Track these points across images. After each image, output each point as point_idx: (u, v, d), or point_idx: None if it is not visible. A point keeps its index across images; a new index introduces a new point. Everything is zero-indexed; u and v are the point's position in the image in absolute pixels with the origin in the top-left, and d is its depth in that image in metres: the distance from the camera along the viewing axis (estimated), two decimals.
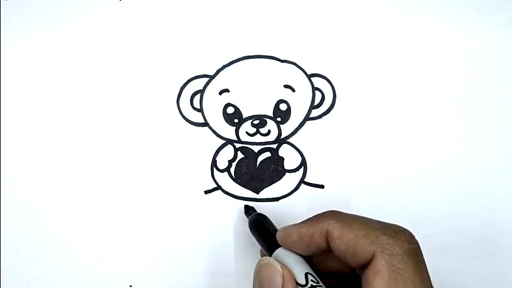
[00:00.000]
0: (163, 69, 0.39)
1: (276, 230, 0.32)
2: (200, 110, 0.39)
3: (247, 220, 0.36)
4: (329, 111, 0.39)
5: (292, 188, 0.39)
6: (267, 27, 0.39)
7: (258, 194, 0.39)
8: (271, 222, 0.35)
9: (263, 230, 0.34)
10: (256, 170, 0.39)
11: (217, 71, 0.39)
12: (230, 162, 0.39)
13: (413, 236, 0.27)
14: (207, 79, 0.39)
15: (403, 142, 0.39)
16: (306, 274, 0.29)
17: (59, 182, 0.39)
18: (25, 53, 0.40)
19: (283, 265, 0.29)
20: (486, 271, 0.39)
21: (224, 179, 0.39)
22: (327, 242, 0.29)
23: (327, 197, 0.39)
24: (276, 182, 0.39)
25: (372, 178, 0.39)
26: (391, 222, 0.28)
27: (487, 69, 0.39)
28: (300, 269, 0.29)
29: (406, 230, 0.28)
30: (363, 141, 0.39)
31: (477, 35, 0.39)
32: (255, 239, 0.34)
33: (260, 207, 0.39)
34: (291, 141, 0.39)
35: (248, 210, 0.37)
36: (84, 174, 0.39)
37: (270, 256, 0.31)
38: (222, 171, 0.39)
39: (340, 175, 0.39)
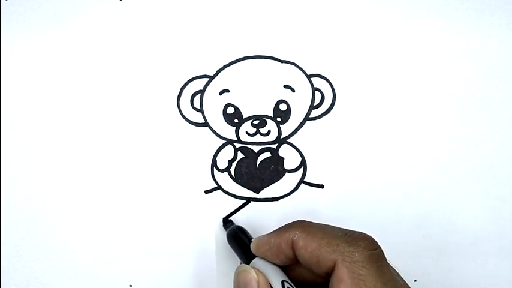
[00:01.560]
0: (163, 70, 0.39)
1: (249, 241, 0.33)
2: (200, 110, 0.39)
3: (275, 219, 0.38)
4: (329, 111, 0.39)
5: (292, 188, 0.39)
6: (267, 28, 0.39)
7: (258, 194, 0.39)
8: (248, 233, 0.36)
9: (240, 241, 0.35)
10: (256, 170, 0.39)
11: (217, 71, 0.39)
12: (230, 162, 0.39)
13: (374, 242, 0.28)
14: (207, 79, 0.39)
15: (403, 142, 0.39)
16: (283, 282, 0.29)
17: (59, 182, 0.39)
18: (25, 53, 0.40)
19: (259, 272, 0.30)
20: (486, 271, 0.39)
21: (224, 179, 0.39)
22: (293, 252, 0.29)
23: (327, 197, 0.39)
24: (276, 182, 0.39)
25: (371, 178, 0.39)
26: (355, 230, 0.29)
27: (487, 69, 0.39)
28: (276, 277, 0.30)
29: (368, 236, 0.28)
30: (362, 141, 0.39)
31: (477, 35, 0.39)
32: (233, 251, 0.35)
33: (260, 207, 0.39)
34: (291, 141, 0.39)
35: (226, 223, 0.38)
36: (84, 174, 0.39)
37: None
38: (222, 171, 0.39)
39: (340, 175, 0.39)
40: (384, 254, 0.28)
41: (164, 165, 0.39)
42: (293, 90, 0.39)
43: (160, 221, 0.39)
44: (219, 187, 0.39)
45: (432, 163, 0.39)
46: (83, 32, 0.40)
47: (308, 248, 0.28)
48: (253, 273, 0.30)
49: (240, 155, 0.39)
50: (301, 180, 0.39)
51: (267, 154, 0.39)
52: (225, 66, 0.39)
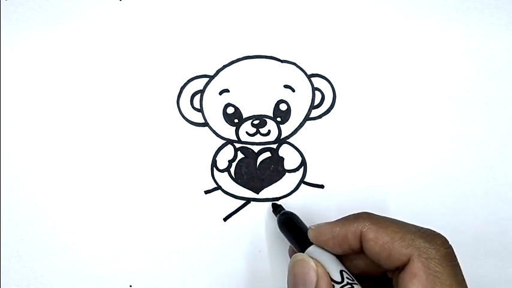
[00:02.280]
0: (163, 69, 0.39)
1: (306, 228, 0.33)
2: (200, 110, 0.39)
3: (275, 219, 0.37)
4: (329, 111, 0.39)
5: (292, 188, 0.39)
6: (267, 27, 0.39)
7: (258, 194, 0.39)
8: (300, 220, 0.35)
9: (294, 228, 0.34)
10: (256, 170, 0.39)
11: (217, 71, 0.39)
12: (230, 162, 0.39)
13: (447, 241, 0.27)
14: (207, 79, 0.39)
15: (403, 142, 0.39)
16: (341, 271, 0.29)
17: (59, 182, 0.39)
18: (25, 53, 0.40)
19: (317, 261, 0.30)
20: (486, 271, 0.39)
21: (224, 179, 0.39)
22: (360, 243, 0.29)
23: (327, 197, 0.39)
24: (276, 182, 0.39)
25: (371, 178, 0.39)
26: (426, 227, 0.28)
27: (487, 69, 0.39)
28: (334, 267, 0.29)
29: (441, 234, 0.28)
30: (363, 141, 0.39)
31: (477, 35, 0.39)
32: (285, 237, 0.34)
33: (260, 208, 0.39)
34: (291, 141, 0.39)
35: (276, 208, 0.37)
36: (84, 174, 0.39)
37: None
38: (222, 171, 0.39)
39: (340, 175, 0.39)
40: (455, 254, 0.27)
41: (164, 165, 0.39)
42: (293, 90, 0.39)
43: (160, 221, 0.39)
44: (219, 187, 0.39)
45: (432, 163, 0.39)
46: (83, 32, 0.40)
47: (379, 241, 0.28)
48: (312, 263, 0.29)
49: (240, 155, 0.39)
50: (301, 181, 0.39)
51: (267, 154, 0.39)
52: (225, 66, 0.39)
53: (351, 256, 0.31)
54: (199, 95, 0.39)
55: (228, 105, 0.39)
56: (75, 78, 0.39)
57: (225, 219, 0.39)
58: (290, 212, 0.36)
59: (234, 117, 0.39)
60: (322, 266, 0.29)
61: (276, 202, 0.38)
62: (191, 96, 0.39)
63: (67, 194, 0.39)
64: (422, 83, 0.39)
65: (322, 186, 0.39)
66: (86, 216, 0.39)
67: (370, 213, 0.30)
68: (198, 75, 0.39)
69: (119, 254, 0.39)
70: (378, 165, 0.39)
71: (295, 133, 0.39)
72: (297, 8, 0.39)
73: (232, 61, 0.39)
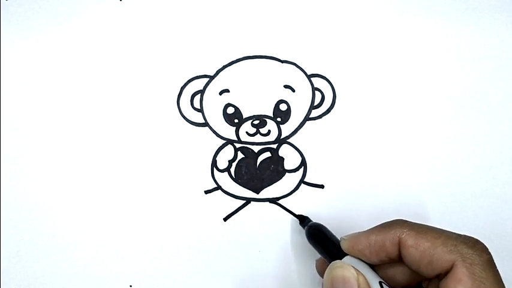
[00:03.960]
0: (163, 69, 0.39)
1: (336, 239, 0.32)
2: (200, 110, 0.39)
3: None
4: (329, 111, 0.39)
5: (292, 188, 0.39)
6: (267, 28, 0.39)
7: (258, 194, 0.39)
8: (329, 230, 0.34)
9: (324, 239, 0.33)
10: (256, 170, 0.39)
11: (217, 71, 0.39)
12: (230, 162, 0.39)
13: (487, 247, 0.27)
14: (207, 79, 0.39)
15: (403, 142, 0.39)
16: (380, 283, 0.28)
17: (59, 182, 0.39)
18: (25, 53, 0.40)
19: (357, 270, 0.29)
20: None
21: (224, 179, 0.39)
22: (398, 251, 0.28)
23: (327, 197, 0.39)
24: (276, 182, 0.39)
25: (371, 178, 0.39)
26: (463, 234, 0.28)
27: (487, 69, 0.39)
28: (373, 277, 0.29)
29: (480, 240, 0.28)
30: (362, 141, 0.39)
31: (477, 35, 0.39)
32: (315, 250, 0.34)
33: (260, 208, 0.39)
34: (291, 141, 0.39)
35: (303, 220, 0.37)
36: (84, 174, 0.39)
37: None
38: (222, 171, 0.39)
39: (340, 175, 0.39)
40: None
41: (164, 165, 0.39)
42: (293, 90, 0.39)
43: (160, 221, 0.39)
44: (219, 187, 0.39)
45: (432, 163, 0.39)
46: (83, 32, 0.40)
47: (420, 247, 0.27)
48: (353, 271, 0.29)
49: (240, 155, 0.39)
50: (301, 181, 0.39)
51: (267, 154, 0.39)
52: (225, 66, 0.39)
53: (385, 266, 0.30)
54: (199, 95, 0.39)
55: (228, 105, 0.39)
56: (75, 78, 0.40)
57: (225, 219, 0.39)
58: (318, 223, 0.35)
59: (234, 117, 0.39)
60: (363, 275, 0.29)
61: (302, 214, 0.38)
62: (191, 96, 0.39)
63: (67, 194, 0.39)
64: (422, 83, 0.39)
65: (322, 186, 0.39)
66: (86, 216, 0.39)
67: (405, 220, 0.29)
68: (198, 75, 0.39)
69: (119, 254, 0.39)
70: (377, 165, 0.39)
71: (295, 133, 0.39)
72: (297, 8, 0.39)
73: (232, 61, 0.39)
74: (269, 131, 0.39)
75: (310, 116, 0.39)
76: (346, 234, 0.31)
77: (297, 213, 0.38)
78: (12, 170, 0.39)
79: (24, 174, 0.39)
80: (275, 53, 0.39)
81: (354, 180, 0.39)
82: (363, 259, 0.30)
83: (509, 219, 0.39)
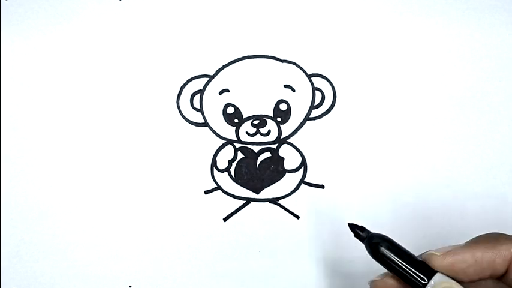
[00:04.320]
0: (163, 69, 0.39)
1: (409, 253, 0.27)
2: (200, 110, 0.39)
3: (275, 219, 0.33)
4: (329, 111, 0.39)
5: (292, 188, 0.39)
6: (267, 27, 0.39)
7: (258, 194, 0.39)
8: (397, 244, 0.28)
9: (400, 256, 0.27)
10: (256, 170, 0.39)
11: (217, 71, 0.39)
12: (230, 162, 0.39)
13: None
14: (207, 79, 0.39)
15: (403, 142, 0.39)
16: None
17: (59, 182, 0.39)
18: (25, 53, 0.40)
19: None
20: None
21: (224, 179, 0.39)
22: (507, 268, 0.26)
23: (327, 197, 0.39)
24: (276, 182, 0.39)
25: (372, 178, 0.39)
26: None
27: (487, 69, 0.39)
28: None
29: None
30: (363, 141, 0.39)
31: (477, 35, 0.39)
32: (384, 267, 0.28)
33: (260, 208, 0.39)
34: (291, 141, 0.39)
35: (360, 232, 0.29)
36: (84, 174, 0.39)
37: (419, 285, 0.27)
38: (222, 171, 0.39)
39: (340, 175, 0.39)
40: None
41: (164, 165, 0.39)
42: (293, 90, 0.39)
43: (160, 221, 0.39)
44: (219, 187, 0.39)
45: (432, 163, 0.39)
46: (82, 32, 0.40)
47: None
48: None
49: (240, 155, 0.39)
50: (302, 181, 0.39)
51: (267, 154, 0.39)
52: (224, 66, 0.39)
53: (474, 283, 0.27)
54: (199, 94, 0.39)
55: (228, 105, 0.39)
56: (75, 78, 0.39)
57: (225, 219, 0.39)
58: (381, 234, 0.28)
59: (234, 117, 0.39)
60: None
61: (355, 223, 0.29)
62: (191, 96, 0.39)
63: (67, 194, 0.39)
64: (423, 83, 0.39)
65: (322, 186, 0.39)
66: (86, 216, 0.39)
67: (504, 233, 0.27)
68: (198, 75, 0.39)
69: (119, 254, 0.39)
70: (378, 166, 0.39)
71: (295, 133, 0.39)
72: (297, 8, 0.39)
73: (232, 61, 0.39)
74: (269, 131, 0.39)
75: (310, 116, 0.39)
76: (410, 246, 0.28)
77: (349, 222, 0.29)
78: (12, 170, 0.39)
79: (24, 174, 0.39)
80: (275, 53, 0.39)
81: (354, 180, 0.39)
82: (461, 278, 0.26)
83: (509, 219, 0.39)
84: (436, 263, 0.26)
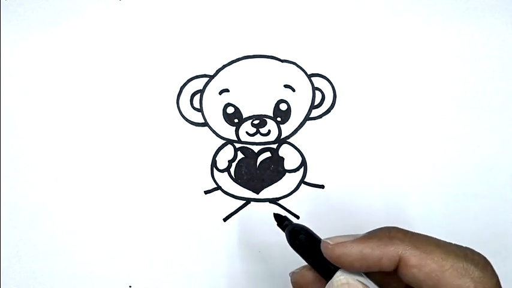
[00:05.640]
0: (163, 69, 0.39)
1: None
2: (200, 110, 0.39)
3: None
4: (329, 111, 0.39)
5: (292, 188, 0.39)
6: (267, 27, 0.39)
7: (258, 194, 0.39)
8: (314, 233, 0.29)
9: (312, 246, 0.28)
10: (256, 170, 0.39)
11: (217, 70, 0.39)
12: (230, 162, 0.39)
13: (492, 266, 0.25)
14: (207, 79, 0.39)
15: (403, 142, 0.39)
16: None
17: (59, 182, 0.39)
18: (25, 53, 0.40)
19: (365, 285, 0.26)
20: None
21: (224, 179, 0.39)
22: (395, 267, 0.25)
23: (327, 197, 0.39)
24: (276, 182, 0.39)
25: (372, 178, 0.39)
26: (465, 246, 0.26)
27: (487, 69, 0.39)
28: None
29: (486, 257, 0.25)
30: (363, 141, 0.39)
31: (477, 35, 0.39)
32: (301, 257, 0.28)
33: (260, 208, 0.39)
34: (291, 141, 0.39)
35: (282, 221, 0.30)
36: (84, 174, 0.39)
37: (327, 277, 0.27)
38: (222, 171, 0.39)
39: (340, 175, 0.39)
40: None
41: (164, 165, 0.39)
42: (293, 90, 0.39)
43: (160, 221, 0.39)
44: (218, 187, 0.39)
45: (433, 163, 0.39)
46: (82, 32, 0.40)
47: (424, 269, 0.24)
48: (361, 286, 0.25)
49: (240, 155, 0.39)
50: (302, 181, 0.39)
51: (267, 154, 0.39)
52: (224, 66, 0.39)
53: (378, 274, 0.27)
54: (199, 94, 0.39)
55: (228, 105, 0.39)
56: (75, 78, 0.39)
57: (225, 220, 0.39)
58: (301, 225, 0.29)
59: (234, 117, 0.39)
60: None
61: (279, 213, 0.31)
62: (191, 96, 0.39)
63: (67, 195, 0.39)
64: (423, 83, 0.39)
65: (322, 186, 0.39)
66: (86, 217, 0.39)
67: (402, 229, 0.26)
68: (198, 75, 0.39)
69: (118, 254, 0.39)
70: (378, 166, 0.39)
71: (295, 133, 0.39)
72: (297, 8, 0.39)
73: (232, 61, 0.39)
74: (269, 131, 0.39)
75: (311, 116, 0.39)
76: (337, 235, 0.27)
77: (274, 212, 0.31)
78: (12, 170, 0.39)
79: (24, 174, 0.39)
80: (275, 53, 0.39)
81: (354, 180, 0.39)
82: (351, 270, 0.26)
83: (509, 219, 0.39)
84: (326, 252, 0.26)
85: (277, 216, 0.31)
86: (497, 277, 0.25)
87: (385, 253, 0.25)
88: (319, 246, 0.27)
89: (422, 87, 0.39)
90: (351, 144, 0.39)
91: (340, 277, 0.26)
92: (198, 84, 0.39)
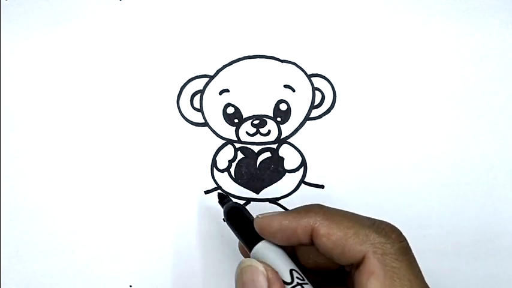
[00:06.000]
0: (163, 69, 0.39)
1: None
2: (200, 110, 0.39)
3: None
4: (329, 111, 0.39)
5: (292, 188, 0.39)
6: (267, 27, 0.39)
7: (258, 194, 0.39)
8: (249, 213, 0.32)
9: (241, 221, 0.31)
10: (256, 170, 0.39)
11: (217, 71, 0.39)
12: (230, 162, 0.39)
13: (402, 234, 0.27)
14: (207, 79, 0.39)
15: (403, 142, 0.39)
16: (291, 271, 0.27)
17: (59, 182, 0.39)
18: (25, 53, 0.40)
19: (267, 265, 0.28)
20: (486, 271, 0.38)
21: (224, 179, 0.39)
22: (311, 238, 0.27)
23: (327, 197, 0.39)
24: (276, 182, 0.39)
25: (372, 178, 0.39)
26: (379, 219, 0.27)
27: (487, 69, 0.39)
28: (284, 265, 0.28)
29: (395, 227, 0.27)
30: (363, 141, 0.39)
31: (477, 35, 0.39)
32: (232, 231, 0.32)
33: (260, 208, 0.39)
34: (291, 141, 0.39)
35: (223, 199, 0.34)
36: (84, 174, 0.39)
37: (250, 250, 0.30)
38: (222, 171, 0.39)
39: (340, 175, 0.39)
40: (410, 246, 0.27)
41: (164, 165, 0.39)
42: (293, 90, 0.39)
43: (160, 221, 0.39)
44: (219, 187, 0.39)
45: (432, 163, 0.39)
46: (82, 32, 0.40)
47: (332, 237, 0.26)
48: (261, 267, 0.27)
49: (240, 155, 0.39)
50: (302, 181, 0.39)
51: (267, 154, 0.39)
52: (225, 66, 0.39)
53: (304, 249, 0.29)
54: (199, 95, 0.39)
55: (228, 105, 0.39)
56: (75, 78, 0.40)
57: (220, 195, 0.39)
58: (238, 203, 0.33)
59: (234, 117, 0.39)
60: (272, 269, 0.27)
61: (222, 192, 0.35)
62: (191, 96, 0.39)
63: (67, 194, 0.39)
64: (423, 83, 0.39)
65: (322, 186, 0.39)
66: (86, 216, 0.39)
67: (322, 205, 0.28)
68: (198, 75, 0.39)
69: (119, 254, 0.39)
70: (378, 165, 0.39)
71: (295, 133, 0.39)
72: (297, 8, 0.39)
73: (232, 61, 0.39)
74: (269, 131, 0.39)
75: (310, 116, 0.39)
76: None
77: (218, 191, 0.34)
78: (12, 170, 0.39)
79: (24, 174, 0.39)
80: (275, 53, 0.39)
81: (354, 180, 0.39)
82: (274, 242, 0.29)
83: (509, 219, 0.39)
84: (255, 223, 0.29)
85: (219, 195, 0.34)
86: (404, 243, 0.26)
87: (300, 224, 0.27)
88: (248, 222, 0.30)
89: (422, 87, 0.39)
90: (350, 144, 0.39)
91: (245, 260, 0.28)
92: (198, 84, 0.39)
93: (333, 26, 0.39)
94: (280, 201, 0.39)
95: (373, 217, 0.28)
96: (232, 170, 0.39)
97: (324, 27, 0.39)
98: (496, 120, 0.39)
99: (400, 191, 0.39)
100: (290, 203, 0.39)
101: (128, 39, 0.40)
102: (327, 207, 0.29)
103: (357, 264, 0.26)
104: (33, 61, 0.39)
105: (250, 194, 0.39)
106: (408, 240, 0.38)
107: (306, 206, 0.29)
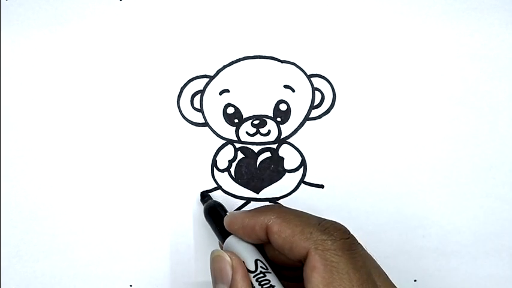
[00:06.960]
0: (163, 70, 0.39)
1: None
2: (200, 110, 0.39)
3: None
4: (329, 111, 0.39)
5: (292, 188, 0.39)
6: (267, 27, 0.39)
7: (258, 194, 0.39)
8: (226, 209, 0.36)
9: (217, 218, 0.34)
10: (256, 170, 0.39)
11: (217, 71, 0.39)
12: (230, 162, 0.39)
13: (347, 231, 0.28)
14: (207, 79, 0.39)
15: (403, 142, 0.39)
16: (256, 261, 0.30)
17: (59, 182, 0.39)
18: (25, 53, 0.39)
19: (233, 254, 0.30)
20: (486, 271, 0.39)
21: (224, 179, 0.39)
22: (267, 236, 0.29)
23: (327, 197, 0.39)
24: (276, 182, 0.39)
25: (371, 178, 0.39)
26: (328, 219, 0.29)
27: (487, 69, 0.39)
28: (250, 256, 0.30)
29: (341, 225, 0.29)
30: (362, 141, 0.39)
31: (477, 35, 0.39)
32: (210, 227, 0.35)
33: None
34: (291, 141, 0.39)
35: (204, 197, 0.38)
36: (84, 174, 0.39)
37: (223, 243, 0.33)
38: (222, 171, 0.39)
39: (340, 175, 0.39)
40: (357, 243, 0.28)
41: (164, 165, 0.39)
42: (293, 90, 0.39)
43: (160, 221, 0.39)
44: (219, 187, 0.39)
45: (432, 163, 0.39)
46: (83, 32, 0.40)
47: (282, 234, 0.28)
48: (227, 257, 0.30)
49: (240, 155, 0.39)
50: (301, 180, 0.39)
51: (267, 154, 0.39)
52: (225, 66, 0.39)
53: (268, 245, 0.31)
54: (199, 95, 0.39)
55: (228, 105, 0.39)
56: (75, 78, 0.39)
57: (202, 194, 0.39)
58: (216, 201, 0.37)
59: (234, 117, 0.39)
60: (237, 258, 0.30)
61: (205, 191, 0.39)
62: (191, 97, 0.39)
63: (67, 194, 0.39)
64: (422, 83, 0.39)
65: (322, 186, 0.39)
66: (86, 216, 0.39)
67: (280, 206, 0.31)
68: (198, 75, 0.39)
69: (119, 254, 0.39)
70: (377, 165, 0.39)
71: (295, 133, 0.39)
72: (296, 8, 0.39)
73: (232, 61, 0.39)
74: (269, 131, 0.39)
75: (310, 116, 0.39)
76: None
77: (201, 191, 0.39)
78: (12, 170, 0.39)
79: (24, 174, 0.39)
80: (275, 53, 0.39)
81: (354, 180, 0.39)
82: (241, 238, 0.31)
83: (509, 219, 0.39)
84: (224, 220, 0.32)
85: (202, 194, 0.38)
86: (348, 240, 0.27)
87: (257, 222, 0.30)
88: (222, 219, 0.33)
89: (422, 87, 0.39)
90: (350, 144, 0.39)
91: (214, 250, 0.31)
92: (199, 84, 0.39)
93: (332, 26, 0.39)
94: (280, 201, 0.39)
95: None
96: (232, 170, 0.39)
97: (324, 28, 0.39)
98: (496, 120, 0.39)
99: (400, 191, 0.39)
100: (290, 203, 0.39)
101: (128, 39, 0.39)
102: (285, 207, 0.31)
103: (304, 260, 0.28)
104: (33, 61, 0.39)
105: (250, 194, 0.39)
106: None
107: (266, 205, 0.32)
